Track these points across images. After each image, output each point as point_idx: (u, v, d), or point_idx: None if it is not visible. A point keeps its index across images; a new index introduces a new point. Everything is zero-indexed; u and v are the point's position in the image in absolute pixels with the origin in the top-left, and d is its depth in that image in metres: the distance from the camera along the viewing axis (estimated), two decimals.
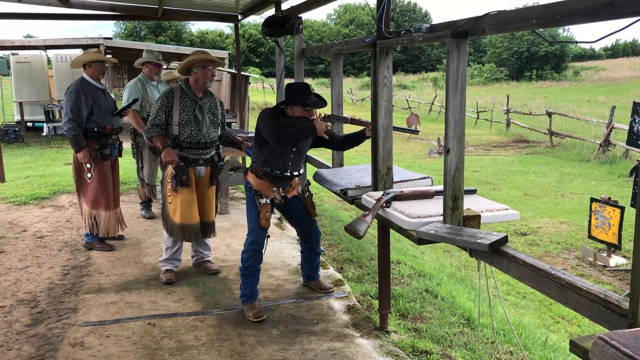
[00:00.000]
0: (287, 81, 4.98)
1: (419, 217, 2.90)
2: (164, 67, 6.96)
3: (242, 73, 9.64)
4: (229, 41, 66.99)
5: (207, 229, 4.61)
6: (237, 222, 6.39)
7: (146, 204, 6.60)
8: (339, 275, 4.80)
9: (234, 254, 5.25)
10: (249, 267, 3.96)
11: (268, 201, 3.90)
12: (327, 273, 4.82)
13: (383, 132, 3.53)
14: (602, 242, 7.55)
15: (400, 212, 3.03)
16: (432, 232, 2.70)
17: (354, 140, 4.00)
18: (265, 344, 3.56)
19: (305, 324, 3.83)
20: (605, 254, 7.76)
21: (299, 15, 5.35)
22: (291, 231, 5.98)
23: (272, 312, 4.05)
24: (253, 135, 7.21)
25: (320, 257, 4.51)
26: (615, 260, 7.53)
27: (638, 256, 1.77)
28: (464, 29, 2.65)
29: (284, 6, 5.94)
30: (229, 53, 13.62)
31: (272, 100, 30.08)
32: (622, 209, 6.99)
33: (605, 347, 1.57)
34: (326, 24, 75.57)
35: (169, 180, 4.33)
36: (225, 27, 72.38)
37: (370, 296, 4.51)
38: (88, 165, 5.07)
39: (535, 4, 2.40)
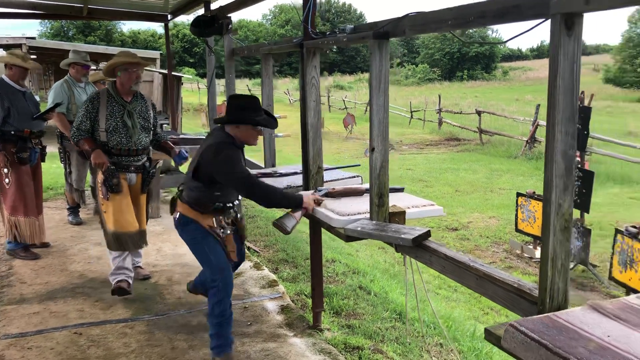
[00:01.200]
0: (218, 82, 4.89)
1: (347, 215, 2.94)
2: (92, 68, 6.73)
3: (174, 74, 9.46)
4: (162, 41, 65.45)
5: (143, 236, 4.34)
6: (168, 226, 6.26)
7: (74, 209, 6.36)
8: (273, 276, 4.79)
9: (165, 259, 5.15)
10: (224, 312, 3.21)
11: (229, 231, 3.36)
12: (262, 274, 4.81)
13: (312, 132, 3.56)
14: (528, 235, 7.95)
15: (330, 210, 3.07)
16: (358, 229, 2.75)
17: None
18: (197, 347, 3.51)
19: (238, 326, 3.80)
20: (531, 246, 8.14)
21: (228, 15, 5.30)
22: None
23: (204, 316, 4.00)
24: (187, 137, 7.11)
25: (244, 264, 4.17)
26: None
27: (546, 246, 1.86)
28: (385, 30, 2.70)
29: (214, 6, 5.87)
30: (160, 53, 13.31)
31: (206, 101, 29.54)
32: None
33: (515, 334, 1.65)
34: (262, 24, 75.23)
35: (100, 188, 4.08)
36: (158, 27, 70.69)
37: (305, 295, 4.54)
38: (5, 170, 4.84)
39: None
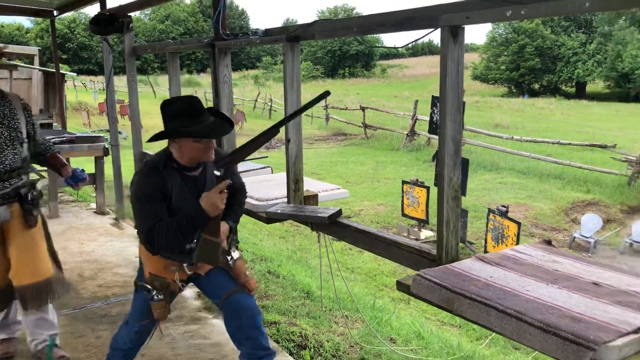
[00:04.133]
0: (118, 80, 4.91)
1: (267, 200, 3.26)
2: None
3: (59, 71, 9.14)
4: (30, 36, 61.02)
5: (30, 294, 2.99)
6: (70, 224, 6.18)
7: None
8: None
9: (74, 256, 5.14)
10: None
11: (162, 297, 2.56)
12: None
13: None
14: (413, 218, 8.72)
15: (250, 197, 3.36)
16: (279, 211, 3.08)
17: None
18: None
19: None
20: (416, 229, 8.92)
21: (129, 14, 5.37)
22: (132, 230, 5.97)
23: (124, 306, 4.11)
24: (84, 135, 6.88)
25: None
26: (425, 233, 8.71)
27: (440, 212, 2.31)
28: (297, 34, 3.05)
29: (111, 3, 5.88)
30: (39, 49, 12.70)
31: (86, 99, 28.24)
32: (428, 188, 8.14)
33: (421, 281, 2.07)
34: (140, 20, 72.48)
35: None
36: (25, 20, 65.68)
37: None
38: None
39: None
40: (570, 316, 1.70)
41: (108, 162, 6.47)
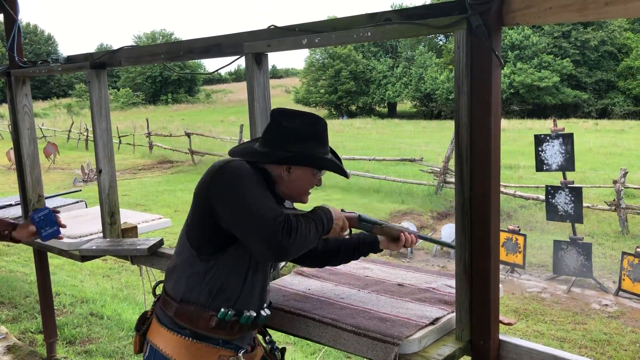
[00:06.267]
0: None
1: (79, 237, 3.05)
2: None
3: None
4: None
5: None
6: None
7: None
8: None
9: None
10: None
11: None
12: None
13: (29, 161, 3.51)
14: None
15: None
16: (94, 247, 2.90)
17: (358, 249, 2.07)
18: None
19: None
20: None
21: None
22: None
23: None
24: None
25: None
26: None
27: None
28: (102, 61, 2.93)
29: None
30: None
31: None
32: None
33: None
34: None
35: None
36: None
37: (32, 332, 4.35)
38: None
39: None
40: (378, 317, 1.85)
41: None
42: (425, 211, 11.86)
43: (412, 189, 13.59)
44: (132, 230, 3.11)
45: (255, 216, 1.60)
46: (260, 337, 1.99)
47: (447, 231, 9.12)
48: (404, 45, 50.49)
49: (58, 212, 2.43)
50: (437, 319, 1.82)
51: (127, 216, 3.35)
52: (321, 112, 50.36)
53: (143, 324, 1.92)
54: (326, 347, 5.34)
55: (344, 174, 1.87)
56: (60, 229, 2.39)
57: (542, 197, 8.61)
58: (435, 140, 23.64)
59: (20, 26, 3.48)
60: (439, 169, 13.37)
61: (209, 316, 1.73)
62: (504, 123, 29.01)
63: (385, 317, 1.84)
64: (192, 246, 1.76)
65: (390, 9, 1.97)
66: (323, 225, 1.74)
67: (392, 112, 49.13)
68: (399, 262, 8.43)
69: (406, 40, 47.16)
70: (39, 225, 2.32)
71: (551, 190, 7.39)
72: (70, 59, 3.20)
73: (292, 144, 1.76)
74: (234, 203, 1.64)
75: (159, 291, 1.88)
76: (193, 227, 1.78)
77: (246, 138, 17.14)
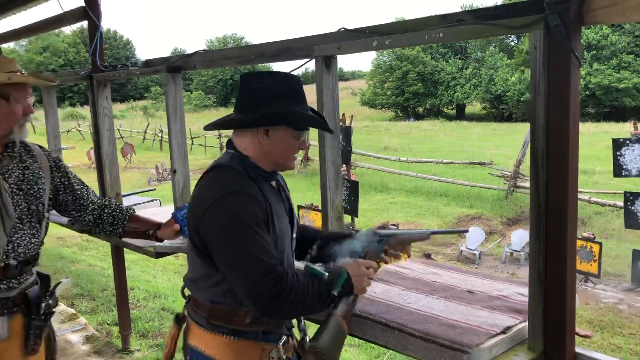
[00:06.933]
0: None
1: None
2: None
3: None
4: None
5: None
6: None
7: None
8: (72, 310, 4.70)
9: None
10: None
11: None
12: (58, 309, 4.67)
13: (108, 160, 3.69)
14: None
15: None
16: (168, 244, 3.01)
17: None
18: None
19: None
20: None
21: None
22: None
23: None
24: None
25: None
26: None
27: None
28: (177, 65, 3.03)
29: None
30: None
31: None
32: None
33: None
34: (15, 51, 68.22)
35: None
36: None
37: (108, 324, 4.56)
38: None
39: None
40: (447, 324, 1.81)
41: None
42: (495, 216, 11.55)
43: (481, 193, 13.27)
44: None
45: (243, 271, 1.53)
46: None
47: (518, 237, 8.84)
48: (474, 46, 49.43)
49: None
50: (508, 328, 1.77)
51: None
52: (388, 114, 50.07)
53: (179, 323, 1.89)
54: (390, 351, 5.30)
55: (326, 129, 1.76)
56: None
57: (620, 203, 8.19)
58: (506, 143, 22.96)
59: (102, 32, 3.67)
60: (509, 173, 12.99)
61: (243, 313, 1.67)
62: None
63: (454, 324, 1.80)
64: (205, 263, 1.67)
65: (461, 9, 1.94)
66: (339, 292, 1.64)
67: (460, 114, 48.19)
68: (468, 268, 8.24)
69: (476, 41, 46.18)
70: (183, 223, 2.28)
71: (630, 197, 6.98)
72: (147, 63, 3.34)
73: (265, 105, 1.63)
74: (222, 251, 1.58)
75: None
76: (197, 247, 1.68)
77: (313, 141, 17.28)
